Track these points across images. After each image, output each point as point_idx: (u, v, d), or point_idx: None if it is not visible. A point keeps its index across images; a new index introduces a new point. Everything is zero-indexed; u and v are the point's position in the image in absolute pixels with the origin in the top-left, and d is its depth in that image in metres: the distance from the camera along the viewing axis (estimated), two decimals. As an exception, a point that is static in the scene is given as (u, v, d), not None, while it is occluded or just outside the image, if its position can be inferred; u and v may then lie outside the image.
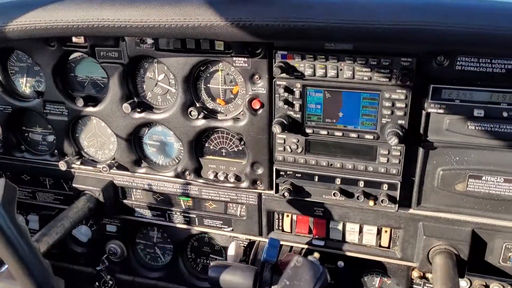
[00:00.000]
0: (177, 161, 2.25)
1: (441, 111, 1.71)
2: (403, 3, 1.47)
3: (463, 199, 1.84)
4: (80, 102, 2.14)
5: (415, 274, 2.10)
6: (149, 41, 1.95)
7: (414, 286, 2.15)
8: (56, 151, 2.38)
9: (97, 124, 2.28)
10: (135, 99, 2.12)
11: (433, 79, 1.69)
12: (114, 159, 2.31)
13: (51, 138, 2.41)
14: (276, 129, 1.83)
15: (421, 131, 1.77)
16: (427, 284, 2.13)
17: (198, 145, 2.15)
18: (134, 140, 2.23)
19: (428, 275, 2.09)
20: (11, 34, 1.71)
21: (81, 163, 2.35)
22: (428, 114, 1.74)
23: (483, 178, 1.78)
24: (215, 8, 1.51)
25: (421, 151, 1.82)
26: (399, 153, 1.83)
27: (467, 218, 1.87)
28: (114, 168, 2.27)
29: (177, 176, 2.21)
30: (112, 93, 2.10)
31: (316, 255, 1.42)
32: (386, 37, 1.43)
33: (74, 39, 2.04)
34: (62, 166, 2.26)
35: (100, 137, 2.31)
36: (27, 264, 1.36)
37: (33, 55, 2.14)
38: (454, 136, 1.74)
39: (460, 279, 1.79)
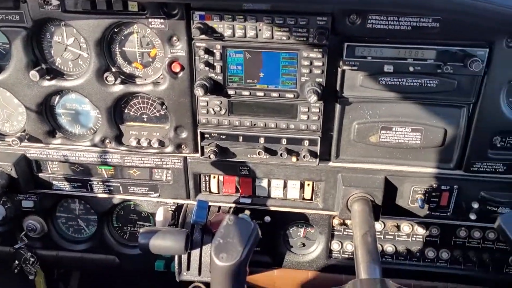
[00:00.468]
0: (95, 129, 2.15)
1: (355, 68, 1.80)
2: None
3: (376, 149, 1.99)
4: None
5: (335, 221, 2.26)
6: (54, 1, 1.80)
7: (335, 232, 2.31)
8: None
9: (1, 94, 2.10)
10: (43, 66, 1.97)
11: (347, 37, 1.76)
12: (24, 131, 2.15)
13: (-51, 111, 2.18)
14: (199, 91, 1.82)
15: (337, 88, 1.86)
16: (346, 230, 2.30)
17: (117, 112, 2.07)
18: (45, 110, 2.09)
19: (347, 222, 2.26)
20: None
21: (-14, 138, 2.17)
22: (343, 72, 1.82)
23: (393, 129, 1.93)
24: None
25: (338, 107, 1.92)
26: (318, 110, 1.91)
27: (380, 167, 2.03)
28: (26, 140, 2.12)
29: (96, 145, 2.13)
30: (16, 60, 1.93)
31: (247, 212, 1.47)
32: None
33: (-33, 1, 1.82)
34: None
35: (5, 108, 2.13)
36: None
37: None
38: (367, 91, 1.85)
39: (375, 222, 1.96)
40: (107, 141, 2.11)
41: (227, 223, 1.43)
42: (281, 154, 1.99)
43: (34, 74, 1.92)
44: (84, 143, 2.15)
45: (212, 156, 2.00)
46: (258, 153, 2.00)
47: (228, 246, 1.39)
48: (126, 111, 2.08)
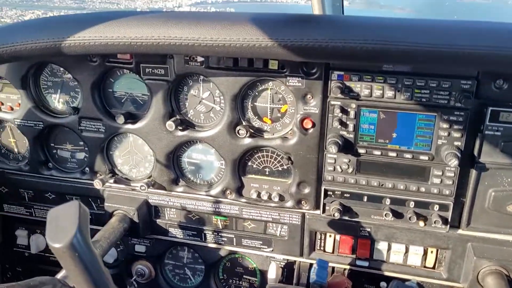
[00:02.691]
0: (216, 180, 2.20)
1: (498, 133, 1.73)
2: (479, 27, 1.49)
3: None
4: (120, 119, 2.08)
5: (458, 294, 2.10)
6: (199, 58, 1.92)
7: (456, 306, 2.15)
8: (87, 168, 2.30)
9: (134, 141, 2.22)
10: (178, 117, 2.08)
11: (491, 101, 1.72)
12: (150, 177, 2.25)
13: (81, 155, 2.33)
14: (332, 148, 1.82)
15: (475, 152, 1.79)
16: (469, 304, 2.13)
17: (241, 164, 2.11)
18: (173, 159, 2.18)
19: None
20: (67, 49, 1.65)
21: (114, 182, 2.28)
22: (483, 136, 1.75)
23: None
24: (291, 29, 1.50)
25: (473, 172, 1.83)
26: (453, 174, 1.84)
27: None
28: (151, 187, 2.21)
29: (217, 195, 2.17)
30: (154, 110, 2.06)
31: (414, 279, 1.38)
32: (466, 60, 1.44)
33: (119, 55, 1.99)
34: (98, 184, 2.19)
35: (136, 155, 2.25)
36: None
37: (71, 70, 2.08)
38: (508, 158, 1.76)
39: None
40: (228, 192, 2.15)
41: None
42: (409, 218, 1.92)
43: (170, 124, 2.02)
44: (204, 192, 2.20)
45: (336, 214, 1.96)
46: (385, 215, 1.94)
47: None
48: (249, 163, 2.12)
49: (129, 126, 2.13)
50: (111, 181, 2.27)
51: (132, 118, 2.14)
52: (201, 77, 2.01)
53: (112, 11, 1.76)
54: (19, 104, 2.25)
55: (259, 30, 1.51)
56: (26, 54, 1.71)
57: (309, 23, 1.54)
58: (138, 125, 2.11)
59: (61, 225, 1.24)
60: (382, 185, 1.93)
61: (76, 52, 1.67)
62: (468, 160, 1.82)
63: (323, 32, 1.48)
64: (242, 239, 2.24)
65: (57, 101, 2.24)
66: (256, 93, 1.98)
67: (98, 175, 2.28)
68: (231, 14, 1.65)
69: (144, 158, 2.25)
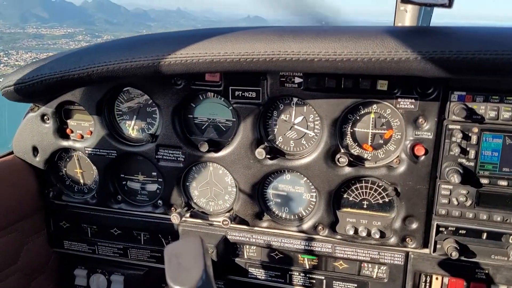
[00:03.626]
0: (305, 213, 1.99)
1: None
2: None
3: None
4: (204, 147, 1.91)
5: None
6: (297, 80, 1.76)
7: None
8: (160, 201, 2.11)
9: (214, 171, 2.04)
10: (266, 144, 1.90)
11: None
12: (230, 211, 2.05)
13: (153, 187, 2.15)
14: (454, 178, 1.61)
15: None
16: None
17: (335, 196, 1.90)
18: (258, 190, 1.98)
19: None
20: (165, 68, 1.51)
21: (191, 216, 2.09)
22: None
23: None
24: (427, 40, 1.33)
25: None
26: None
27: None
28: (232, 221, 2.01)
29: (308, 231, 1.95)
30: (242, 136, 1.88)
31: None
32: None
33: (207, 77, 1.84)
34: (175, 219, 1.99)
35: (215, 186, 2.06)
36: None
37: (152, 95, 1.93)
38: None
39: None
40: (320, 227, 1.93)
41: None
42: (542, 258, 1.67)
43: (260, 152, 1.84)
44: (291, 227, 1.99)
45: (454, 254, 1.73)
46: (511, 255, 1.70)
47: None
48: (345, 196, 1.91)
49: (211, 154, 1.95)
50: (187, 215, 2.07)
51: (214, 146, 1.97)
52: (294, 100, 1.85)
53: (214, 28, 1.62)
54: (91, 132, 2.11)
55: (391, 43, 1.34)
56: (118, 74, 1.57)
57: (444, 34, 1.37)
58: (222, 153, 1.94)
59: (184, 264, 1.06)
60: (507, 220, 1.70)
61: (175, 71, 1.52)
62: None
63: (466, 43, 1.31)
64: (334, 281, 2.00)
65: (131, 128, 2.09)
66: (357, 117, 1.80)
67: (172, 208, 2.09)
68: (350, 28, 1.49)
69: (224, 189, 2.05)
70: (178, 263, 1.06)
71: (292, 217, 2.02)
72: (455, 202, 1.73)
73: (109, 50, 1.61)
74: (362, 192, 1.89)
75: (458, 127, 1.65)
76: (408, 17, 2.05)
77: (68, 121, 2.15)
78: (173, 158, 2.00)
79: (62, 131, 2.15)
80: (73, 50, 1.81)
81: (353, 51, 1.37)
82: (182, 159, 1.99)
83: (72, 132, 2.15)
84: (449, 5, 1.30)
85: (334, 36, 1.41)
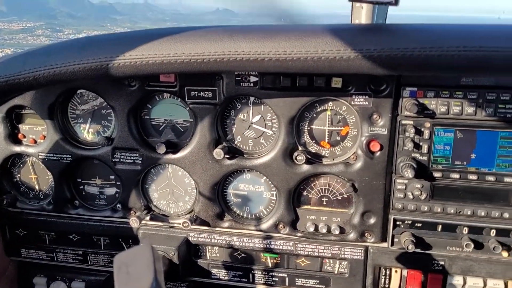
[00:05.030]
0: (265, 212, 1.99)
1: None
2: None
3: None
4: (161, 149, 1.88)
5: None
6: (252, 79, 1.75)
7: None
8: (119, 205, 2.07)
9: (173, 173, 2.01)
10: (225, 144, 1.88)
11: None
12: (191, 212, 2.02)
13: (111, 190, 2.11)
14: (408, 173, 1.64)
15: None
16: None
17: (295, 194, 1.91)
18: (218, 191, 1.96)
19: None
20: (115, 70, 1.46)
21: (151, 219, 2.05)
22: None
23: None
24: (375, 38, 1.34)
25: None
26: None
27: None
28: (193, 223, 1.98)
29: (268, 229, 1.95)
30: (199, 137, 1.86)
31: None
32: None
33: (162, 78, 1.80)
34: (134, 222, 1.95)
35: (175, 188, 2.03)
36: None
37: (106, 96, 1.88)
38: None
39: None
40: (281, 225, 1.94)
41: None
42: (493, 248, 1.72)
43: (218, 152, 1.83)
44: (252, 227, 1.98)
45: (410, 247, 1.76)
46: (465, 246, 1.74)
47: None
48: (304, 193, 1.92)
49: (169, 156, 1.92)
50: (147, 218, 2.04)
51: (172, 147, 1.93)
52: (251, 99, 1.83)
53: (164, 28, 1.58)
54: (44, 136, 2.04)
55: (340, 41, 1.34)
56: (66, 77, 1.52)
57: (392, 32, 1.38)
58: (180, 154, 1.91)
59: (133, 273, 1.04)
60: (460, 212, 1.74)
61: (125, 73, 1.48)
62: None
63: (412, 40, 1.32)
64: (296, 279, 2.01)
65: (86, 131, 2.03)
66: (314, 115, 1.80)
67: (132, 212, 2.05)
68: (300, 26, 1.49)
69: (185, 191, 2.03)
70: (127, 272, 1.04)
71: (253, 216, 2.01)
72: (411, 196, 1.76)
73: (56, 52, 1.55)
74: (321, 189, 1.90)
75: (411, 122, 1.67)
76: (363, 13, 2.06)
77: (19, 125, 2.07)
78: (130, 160, 1.96)
79: (14, 136, 2.07)
80: (19, 53, 1.74)
81: (303, 50, 1.36)
82: (140, 162, 1.95)
83: (24, 137, 2.08)
84: (395, 3, 1.31)
85: (285, 35, 1.40)
